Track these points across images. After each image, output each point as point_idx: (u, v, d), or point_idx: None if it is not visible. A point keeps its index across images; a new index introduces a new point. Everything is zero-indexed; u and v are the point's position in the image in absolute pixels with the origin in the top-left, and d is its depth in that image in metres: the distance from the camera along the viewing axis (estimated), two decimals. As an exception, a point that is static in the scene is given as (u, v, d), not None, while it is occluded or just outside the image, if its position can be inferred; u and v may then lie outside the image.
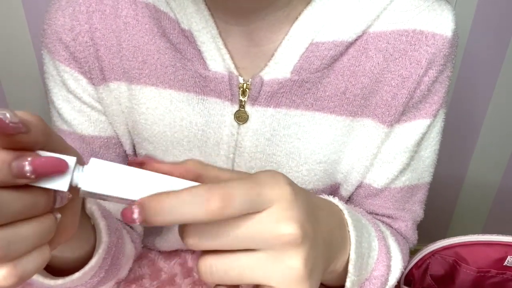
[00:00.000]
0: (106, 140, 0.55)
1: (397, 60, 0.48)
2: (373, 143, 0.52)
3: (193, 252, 0.68)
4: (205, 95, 0.50)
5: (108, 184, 0.27)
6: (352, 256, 0.39)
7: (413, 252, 0.63)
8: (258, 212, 0.28)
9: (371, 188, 0.55)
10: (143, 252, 0.66)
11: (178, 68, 0.50)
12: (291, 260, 0.29)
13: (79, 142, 0.54)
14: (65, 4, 0.50)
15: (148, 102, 0.51)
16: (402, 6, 0.48)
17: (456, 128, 1.18)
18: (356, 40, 0.47)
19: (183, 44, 0.48)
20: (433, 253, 0.69)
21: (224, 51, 0.47)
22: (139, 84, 0.51)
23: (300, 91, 0.48)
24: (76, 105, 0.53)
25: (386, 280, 0.46)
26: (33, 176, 0.25)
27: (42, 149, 0.26)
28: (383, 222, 0.57)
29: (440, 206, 1.31)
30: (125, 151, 0.58)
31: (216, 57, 0.48)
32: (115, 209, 0.56)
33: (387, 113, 0.50)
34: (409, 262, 0.68)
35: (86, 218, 0.43)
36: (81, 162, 0.28)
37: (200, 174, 0.30)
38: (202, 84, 0.49)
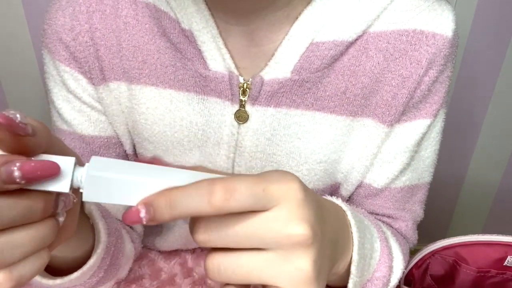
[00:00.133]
0: (106, 140, 0.55)
1: (397, 60, 0.48)
2: (373, 143, 0.52)
3: (193, 252, 0.68)
4: (205, 95, 0.50)
5: (111, 182, 0.27)
6: (355, 257, 0.39)
7: (413, 252, 0.63)
8: (266, 210, 0.28)
9: (371, 188, 0.55)
10: (143, 252, 0.66)
11: (178, 68, 0.50)
12: (300, 261, 0.28)
13: (79, 142, 0.54)
14: (65, 4, 0.50)
15: (148, 102, 0.51)
16: (403, 6, 0.48)
17: (456, 128, 1.18)
18: (356, 39, 0.47)
19: (183, 43, 0.48)
20: (433, 253, 0.69)
21: (224, 50, 0.47)
22: (139, 84, 0.51)
23: (301, 90, 0.48)
24: (76, 105, 0.53)
25: (388, 281, 0.46)
26: (23, 182, 0.24)
27: (44, 153, 0.26)
28: (383, 222, 0.57)
29: (440, 206, 1.31)
30: (125, 151, 0.58)
31: (217, 57, 0.48)
32: (115, 209, 0.56)
33: (387, 113, 0.50)
34: (409, 262, 0.68)
35: (85, 218, 0.43)
36: (80, 163, 0.28)
37: None
38: (202, 83, 0.49)
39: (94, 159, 0.27)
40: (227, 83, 0.48)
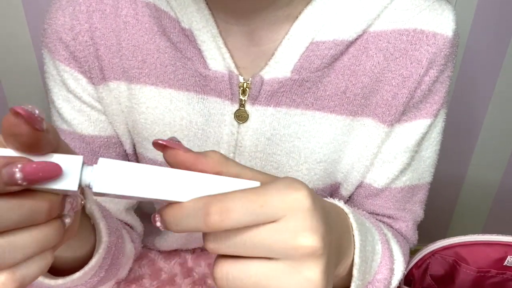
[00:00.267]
0: (106, 139, 0.55)
1: (397, 60, 0.48)
2: (373, 142, 0.52)
3: (193, 252, 0.68)
4: (205, 94, 0.50)
5: (119, 183, 0.27)
6: (357, 260, 0.39)
7: (413, 252, 0.63)
8: (273, 221, 0.27)
9: (372, 188, 0.55)
10: (143, 252, 0.66)
11: (178, 67, 0.50)
12: (309, 272, 0.28)
13: (79, 142, 0.54)
14: (65, 4, 0.50)
15: (148, 102, 0.51)
16: (403, 5, 0.48)
17: (456, 128, 1.18)
18: (356, 39, 0.47)
19: (183, 43, 0.48)
20: (433, 253, 0.69)
21: (224, 50, 0.47)
22: (139, 83, 0.51)
23: (300, 90, 0.48)
24: (76, 105, 0.53)
25: (389, 283, 0.46)
26: (24, 183, 0.24)
27: (53, 152, 0.26)
28: (383, 222, 0.57)
29: (440, 206, 1.31)
30: (125, 151, 0.58)
31: (216, 56, 0.47)
32: (115, 209, 0.56)
33: (388, 112, 0.50)
34: (409, 262, 0.68)
35: (86, 218, 0.43)
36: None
37: (220, 171, 0.29)
38: (202, 83, 0.49)
39: (102, 160, 0.27)
40: (227, 83, 0.48)
